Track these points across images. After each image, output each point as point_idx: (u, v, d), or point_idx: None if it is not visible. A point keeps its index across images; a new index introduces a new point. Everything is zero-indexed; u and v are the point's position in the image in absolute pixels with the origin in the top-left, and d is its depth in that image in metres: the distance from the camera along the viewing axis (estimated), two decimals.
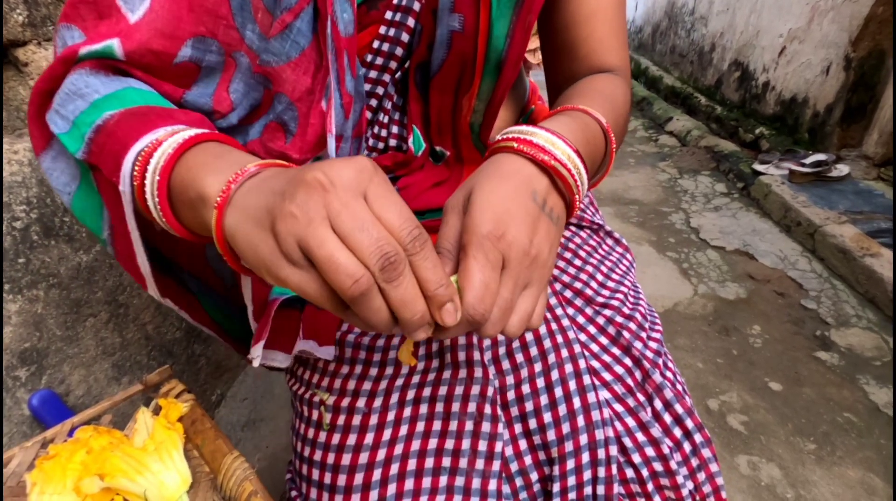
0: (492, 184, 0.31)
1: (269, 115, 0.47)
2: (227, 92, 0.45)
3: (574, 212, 0.35)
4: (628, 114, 0.49)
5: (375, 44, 0.49)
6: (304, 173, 0.25)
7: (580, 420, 0.46)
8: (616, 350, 0.52)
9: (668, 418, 0.48)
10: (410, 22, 0.49)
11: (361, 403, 0.47)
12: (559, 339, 0.49)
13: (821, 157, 2.19)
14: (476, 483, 0.44)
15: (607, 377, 0.50)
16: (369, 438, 0.46)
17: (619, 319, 0.54)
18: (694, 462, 0.48)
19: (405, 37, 0.49)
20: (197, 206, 0.31)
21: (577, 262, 0.58)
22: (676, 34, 3.88)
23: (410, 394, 0.47)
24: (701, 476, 0.48)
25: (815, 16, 2.32)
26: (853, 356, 1.40)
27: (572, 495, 0.45)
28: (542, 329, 0.50)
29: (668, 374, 0.52)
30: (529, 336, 0.49)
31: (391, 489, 0.44)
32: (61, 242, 0.74)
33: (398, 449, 0.45)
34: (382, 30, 0.49)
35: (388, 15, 0.49)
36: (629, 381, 0.50)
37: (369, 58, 0.50)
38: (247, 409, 1.24)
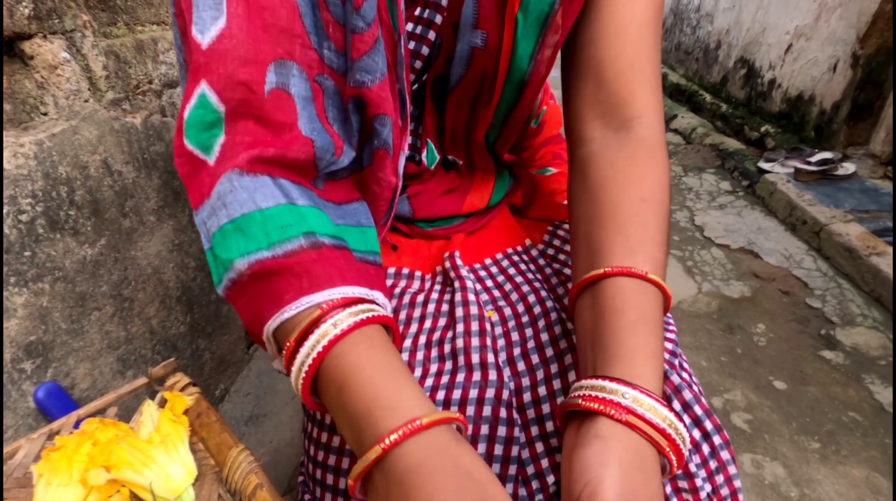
0: (616, 473, 0.30)
1: (373, 141, 0.44)
2: (328, 122, 0.43)
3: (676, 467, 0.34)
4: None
5: None
6: None
7: None
8: None
9: (686, 419, 0.46)
10: (431, 35, 0.47)
11: None
12: (575, 340, 0.48)
13: (827, 155, 2.17)
14: None
15: None
16: None
17: None
18: (713, 464, 0.46)
19: (425, 50, 0.48)
20: (354, 422, 0.31)
21: None
22: (682, 31, 3.85)
23: None
24: (719, 478, 0.46)
25: (822, 12, 2.30)
26: (858, 356, 1.40)
27: None
28: (558, 330, 0.48)
29: (685, 375, 0.50)
30: (545, 337, 0.48)
31: None
32: (67, 235, 0.74)
33: None
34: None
35: (410, 27, 0.47)
36: None
37: None
38: (250, 404, 1.24)
